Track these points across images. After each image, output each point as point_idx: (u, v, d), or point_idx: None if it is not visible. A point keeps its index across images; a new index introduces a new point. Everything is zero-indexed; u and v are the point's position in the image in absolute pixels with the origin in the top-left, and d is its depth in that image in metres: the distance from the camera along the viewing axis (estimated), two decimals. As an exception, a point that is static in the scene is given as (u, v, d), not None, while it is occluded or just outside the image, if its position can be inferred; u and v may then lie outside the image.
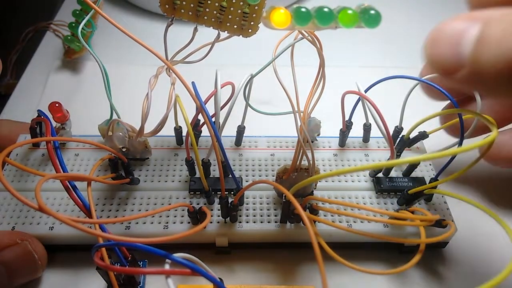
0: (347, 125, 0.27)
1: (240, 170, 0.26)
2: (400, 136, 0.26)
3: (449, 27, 0.14)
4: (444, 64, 0.14)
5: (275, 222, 0.23)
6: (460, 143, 0.23)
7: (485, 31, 0.13)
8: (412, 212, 0.23)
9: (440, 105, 0.27)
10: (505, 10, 0.14)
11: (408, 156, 0.27)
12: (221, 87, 0.21)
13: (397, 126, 0.26)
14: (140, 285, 0.22)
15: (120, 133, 0.24)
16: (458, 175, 0.21)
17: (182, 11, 0.19)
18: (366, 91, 0.24)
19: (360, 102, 0.25)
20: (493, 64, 0.13)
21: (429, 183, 0.24)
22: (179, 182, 0.25)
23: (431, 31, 0.15)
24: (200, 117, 0.23)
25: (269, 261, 0.24)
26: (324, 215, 0.24)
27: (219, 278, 0.19)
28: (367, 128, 0.27)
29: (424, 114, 0.24)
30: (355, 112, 0.26)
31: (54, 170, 0.21)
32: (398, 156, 0.26)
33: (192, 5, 0.19)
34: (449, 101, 0.25)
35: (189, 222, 0.23)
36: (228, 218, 0.23)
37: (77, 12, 0.33)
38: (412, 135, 0.26)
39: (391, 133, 0.24)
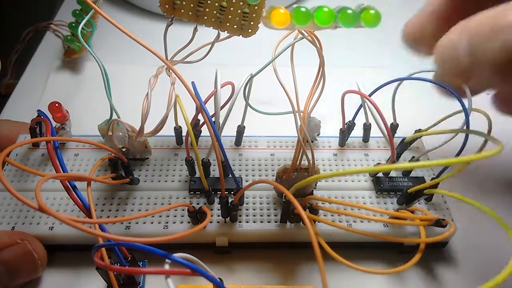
0: (349, 126, 0.27)
1: (240, 170, 0.26)
2: (401, 139, 0.26)
3: (446, 40, 0.19)
4: (450, 65, 0.19)
5: (275, 222, 0.23)
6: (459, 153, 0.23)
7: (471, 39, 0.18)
8: (412, 212, 0.23)
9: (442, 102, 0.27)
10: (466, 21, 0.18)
11: (408, 156, 0.27)
12: (221, 87, 0.21)
13: (392, 123, 0.26)
14: (140, 285, 0.22)
15: (120, 133, 0.24)
16: (457, 171, 0.21)
17: (182, 11, 0.19)
18: (371, 94, 0.24)
19: (361, 102, 0.25)
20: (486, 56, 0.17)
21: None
22: (179, 182, 0.25)
23: (436, 46, 0.19)
24: (200, 117, 0.23)
25: (269, 261, 0.24)
26: (324, 215, 0.24)
27: (219, 278, 0.19)
28: (367, 128, 0.27)
29: (422, 110, 0.24)
30: (355, 112, 0.27)
31: (54, 170, 0.21)
32: (398, 156, 0.26)
33: (192, 5, 0.19)
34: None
35: (189, 222, 0.23)
36: (228, 218, 0.23)
37: (77, 12, 0.33)
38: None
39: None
